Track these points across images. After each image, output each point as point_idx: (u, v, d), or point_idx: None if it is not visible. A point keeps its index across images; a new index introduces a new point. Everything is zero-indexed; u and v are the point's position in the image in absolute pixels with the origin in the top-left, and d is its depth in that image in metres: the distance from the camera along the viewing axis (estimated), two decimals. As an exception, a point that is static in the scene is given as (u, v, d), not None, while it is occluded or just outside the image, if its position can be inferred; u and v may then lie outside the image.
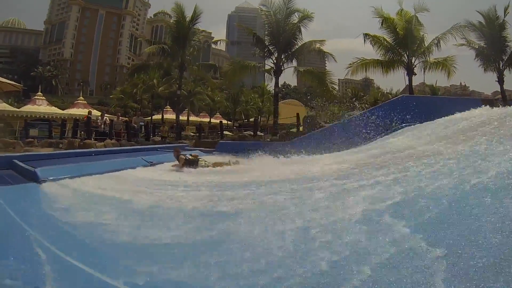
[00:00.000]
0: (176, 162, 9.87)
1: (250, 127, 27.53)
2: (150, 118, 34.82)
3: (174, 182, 6.84)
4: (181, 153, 10.45)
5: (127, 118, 25.09)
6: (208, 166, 9.76)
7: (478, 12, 23.80)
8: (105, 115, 22.36)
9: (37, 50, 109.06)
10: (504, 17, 23.09)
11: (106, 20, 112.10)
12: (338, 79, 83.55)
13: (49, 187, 5.95)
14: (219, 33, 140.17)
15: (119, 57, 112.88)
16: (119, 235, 3.59)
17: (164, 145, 16.64)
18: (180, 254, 3.09)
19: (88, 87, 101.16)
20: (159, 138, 21.85)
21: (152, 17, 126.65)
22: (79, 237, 3.58)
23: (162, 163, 10.38)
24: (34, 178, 6.35)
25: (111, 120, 20.52)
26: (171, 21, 26.65)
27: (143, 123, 22.97)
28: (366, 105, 31.45)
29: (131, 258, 3.02)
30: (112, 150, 13.97)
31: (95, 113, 25.33)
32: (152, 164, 10.06)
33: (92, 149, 13.94)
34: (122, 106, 44.98)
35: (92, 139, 17.59)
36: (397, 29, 22.41)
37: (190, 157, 10.17)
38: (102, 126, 19.93)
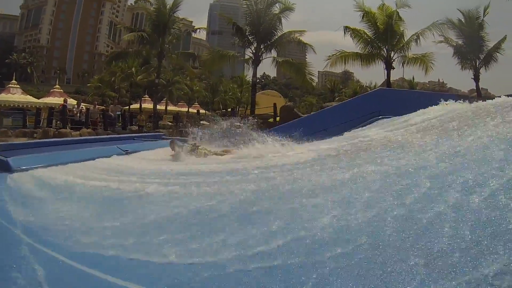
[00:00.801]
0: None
1: (229, 117, 27.58)
2: (128, 107, 34.36)
3: (150, 171, 6.87)
4: (178, 143, 10.36)
5: (103, 107, 24.74)
6: (208, 155, 9.62)
7: (458, 10, 24.45)
8: (82, 103, 22.00)
9: (12, 36, 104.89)
10: (484, 16, 23.70)
11: (85, 6, 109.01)
12: (318, 71, 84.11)
13: (21, 176, 5.92)
14: (201, 22, 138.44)
15: (97, 44, 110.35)
16: (88, 225, 3.51)
17: (140, 134, 16.57)
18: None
19: (65, 75, 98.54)
20: (136, 127, 21.72)
21: (133, 4, 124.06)
22: (48, 228, 3.47)
23: (138, 152, 10.36)
24: (6, 168, 6.31)
25: (87, 109, 20.23)
26: (151, 8, 26.42)
27: (120, 112, 22.77)
28: (345, 97, 31.94)
29: (103, 248, 2.92)
30: (87, 139, 13.86)
31: (71, 101, 24.85)
32: (127, 152, 10.04)
33: (67, 138, 13.83)
34: (100, 95, 44.01)
35: (68, 128, 17.43)
36: (378, 23, 22.71)
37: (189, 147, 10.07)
38: (78, 115, 19.68)
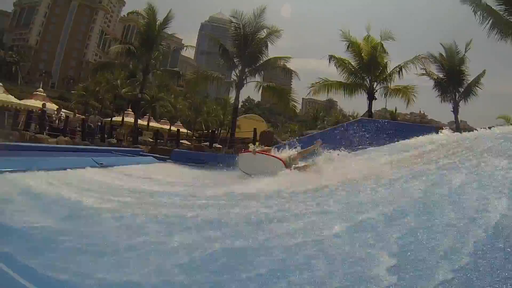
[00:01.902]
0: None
1: (214, 138, 27.59)
2: (110, 119, 34.02)
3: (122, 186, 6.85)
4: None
5: (83, 117, 24.39)
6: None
7: (441, 44, 25.23)
8: (62, 110, 21.65)
9: (2, 32, 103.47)
10: (465, 52, 24.43)
11: (78, 12, 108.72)
12: (302, 98, 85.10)
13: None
14: (191, 41, 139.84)
15: (86, 52, 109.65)
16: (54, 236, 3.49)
17: (119, 148, 16.40)
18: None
19: (51, 79, 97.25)
20: (115, 141, 21.43)
21: (126, 15, 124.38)
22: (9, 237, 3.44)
23: (113, 166, 10.29)
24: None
25: (67, 117, 19.93)
26: (142, 22, 26.30)
27: (100, 123, 22.48)
28: (327, 125, 32.33)
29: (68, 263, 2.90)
30: (62, 147, 13.69)
31: (51, 106, 24.37)
32: (102, 165, 9.96)
33: (42, 145, 13.60)
34: (83, 104, 43.63)
35: (45, 134, 17.10)
36: (362, 54, 23.21)
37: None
38: (57, 121, 19.36)
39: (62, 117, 19.63)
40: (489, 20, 19.52)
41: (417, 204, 3.72)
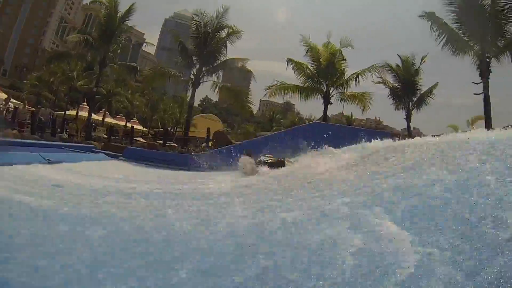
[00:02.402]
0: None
1: (167, 136, 27.25)
2: (63, 112, 32.74)
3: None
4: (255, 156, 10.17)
5: (33, 109, 23.31)
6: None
7: (398, 56, 26.40)
8: (11, 100, 20.60)
9: None
10: (420, 64, 25.70)
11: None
12: (260, 100, 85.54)
13: None
14: (154, 36, 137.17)
15: (43, 39, 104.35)
16: None
17: (70, 144, 15.90)
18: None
19: (2, 66, 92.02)
20: (67, 136, 20.65)
21: (88, 4, 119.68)
22: None
23: (62, 162, 10.04)
24: None
25: (15, 107, 18.96)
26: (102, 12, 25.13)
27: (51, 116, 21.56)
28: (282, 127, 32.82)
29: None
30: (9, 141, 13.10)
31: (0, 95, 23.15)
32: (50, 162, 9.69)
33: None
34: (36, 94, 41.50)
35: (-10, 127, 16.26)
36: (321, 60, 23.78)
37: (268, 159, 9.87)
38: (5, 112, 18.44)
39: (10, 108, 18.68)
40: (444, 36, 20.63)
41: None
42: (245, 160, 10.08)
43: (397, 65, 26.03)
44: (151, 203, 5.32)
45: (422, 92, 26.06)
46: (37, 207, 4.53)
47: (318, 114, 53.72)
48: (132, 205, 5.15)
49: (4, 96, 22.64)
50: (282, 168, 9.55)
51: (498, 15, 19.23)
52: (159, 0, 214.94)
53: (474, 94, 20.10)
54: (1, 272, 2.65)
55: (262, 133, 22.48)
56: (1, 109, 18.57)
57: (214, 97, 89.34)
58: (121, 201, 5.41)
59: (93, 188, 6.59)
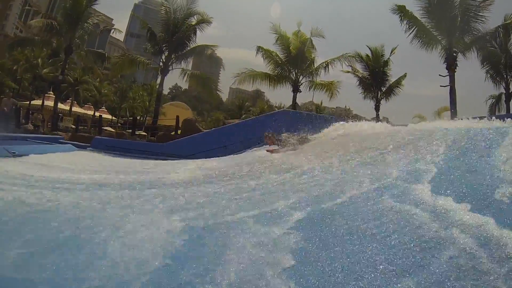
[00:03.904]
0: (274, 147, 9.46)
1: (136, 125, 26.95)
2: (28, 102, 31.72)
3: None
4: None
5: (-4, 99, 22.48)
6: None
7: (367, 46, 26.86)
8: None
9: None
10: (390, 55, 26.31)
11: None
12: (230, 87, 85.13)
13: None
14: (122, 22, 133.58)
15: (5, 24, 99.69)
16: None
17: (35, 136, 15.51)
18: None
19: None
20: (32, 127, 20.08)
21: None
22: None
23: (27, 155, 9.81)
24: None
25: (-24, 99, 18.24)
26: None
27: (15, 107, 20.81)
28: (251, 115, 32.97)
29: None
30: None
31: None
32: (14, 155, 9.46)
33: None
34: (-3, 84, 40.00)
35: None
36: (291, 48, 24.06)
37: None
38: (-37, 104, 17.71)
39: (-31, 99, 17.93)
40: (414, 29, 21.40)
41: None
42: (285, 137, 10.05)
43: (367, 55, 26.53)
44: (119, 194, 5.32)
45: (391, 82, 26.79)
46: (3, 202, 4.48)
47: (288, 102, 54.24)
48: (95, 196, 5.13)
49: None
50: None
51: (466, 12, 20.13)
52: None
53: (440, 86, 21.04)
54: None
55: (230, 120, 22.48)
56: (-40, 101, 17.80)
57: (184, 85, 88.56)
58: (85, 192, 5.38)
59: (57, 180, 6.51)
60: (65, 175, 7.18)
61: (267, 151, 9.55)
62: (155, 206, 4.47)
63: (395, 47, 26.38)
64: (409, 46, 21.90)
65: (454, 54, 20.66)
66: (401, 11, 21.49)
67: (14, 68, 37.59)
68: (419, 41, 21.53)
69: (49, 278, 2.54)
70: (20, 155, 9.66)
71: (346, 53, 25.16)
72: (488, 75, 23.55)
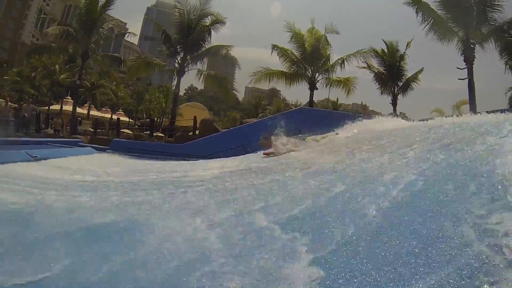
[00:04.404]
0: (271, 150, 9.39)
1: (154, 127, 27.14)
2: (47, 107, 32.29)
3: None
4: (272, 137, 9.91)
5: (16, 105, 22.96)
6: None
7: (383, 40, 26.50)
8: (-7, 98, 20.31)
9: None
10: (405, 49, 25.91)
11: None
12: (246, 86, 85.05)
13: None
14: (136, 25, 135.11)
15: (22, 33, 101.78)
16: None
17: (55, 139, 15.77)
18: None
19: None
20: (52, 131, 20.45)
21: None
22: None
23: (49, 158, 9.93)
24: None
25: (-3, 105, 18.61)
26: (82, 1, 24.57)
27: (35, 112, 21.23)
28: (268, 114, 32.87)
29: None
30: (-8, 140, 12.92)
31: (-19, 95, 22.82)
32: (36, 159, 9.59)
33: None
34: (17, 91, 40.70)
35: (-29, 125, 15.99)
36: (306, 45, 23.92)
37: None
38: (-14, 111, 18.09)
39: (-8, 107, 18.32)
40: (430, 21, 20.99)
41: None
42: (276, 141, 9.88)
43: (382, 50, 26.17)
44: (149, 194, 5.32)
45: (408, 77, 26.35)
46: (27, 206, 4.51)
47: (304, 100, 53.98)
48: (127, 197, 5.13)
49: (-16, 94, 22.28)
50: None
51: (482, 2, 19.66)
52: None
53: (459, 79, 20.45)
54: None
55: (247, 120, 22.49)
56: (-17, 108, 18.20)
57: (199, 86, 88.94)
58: (110, 193, 5.40)
59: (82, 183, 6.56)
60: (90, 178, 7.26)
61: (264, 153, 9.43)
62: (186, 204, 4.49)
63: (411, 40, 26.02)
64: (424, 40, 21.61)
65: (472, 45, 20.17)
66: (417, 3, 21.11)
67: (33, 75, 38.31)
68: (435, 33, 21.12)
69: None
70: (42, 159, 9.81)
71: (362, 49, 24.85)
72: (508, 66, 22.87)
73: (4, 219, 4.01)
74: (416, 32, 22.07)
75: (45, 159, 9.82)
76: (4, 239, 3.30)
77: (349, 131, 9.51)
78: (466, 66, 20.07)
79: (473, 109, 18.67)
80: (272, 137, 9.96)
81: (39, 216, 4.10)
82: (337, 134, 9.75)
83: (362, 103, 60.98)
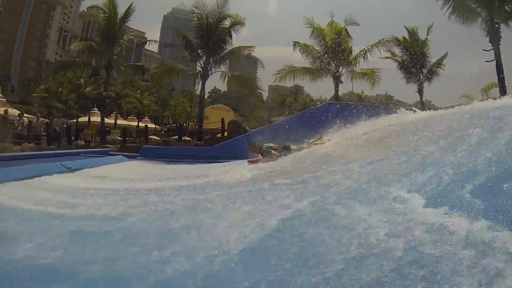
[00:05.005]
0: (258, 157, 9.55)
1: (182, 131, 27.40)
2: (76, 120, 33.11)
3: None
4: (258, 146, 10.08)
5: (47, 120, 23.68)
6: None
7: (405, 27, 25.94)
8: (25, 115, 20.98)
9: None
10: (427, 35, 25.38)
11: (35, 7, 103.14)
12: (269, 85, 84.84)
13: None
14: (154, 34, 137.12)
15: (45, 51, 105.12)
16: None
17: (87, 150, 16.12)
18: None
19: (9, 83, 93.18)
20: (83, 143, 20.95)
21: (85, 10, 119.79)
22: None
23: (83, 169, 10.10)
24: None
25: (29, 121, 19.20)
26: (102, 16, 25.32)
27: (65, 126, 21.84)
28: (294, 111, 32.59)
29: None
30: (28, 155, 13.31)
31: (13, 112, 23.61)
32: (71, 170, 9.76)
33: (6, 154, 13.18)
34: (46, 106, 42.11)
35: (8, 142, 16.53)
36: (327, 40, 23.70)
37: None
38: (20, 127, 18.69)
39: (25, 123, 18.90)
40: (450, 4, 20.39)
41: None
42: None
43: (404, 38, 25.63)
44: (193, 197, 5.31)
45: (432, 63, 25.71)
46: (72, 216, 4.53)
47: (327, 94, 53.32)
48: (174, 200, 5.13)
49: (17, 112, 23.00)
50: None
51: None
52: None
53: (485, 61, 19.75)
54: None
55: (275, 118, 22.36)
56: (17, 125, 18.80)
57: (223, 88, 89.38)
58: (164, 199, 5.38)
59: (125, 191, 6.60)
60: (127, 185, 7.32)
61: (249, 161, 9.42)
62: (232, 205, 4.43)
63: (431, 25, 25.40)
64: (447, 24, 20.95)
65: (496, 25, 19.30)
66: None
67: (59, 90, 39.45)
68: (457, 16, 20.49)
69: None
70: (76, 170, 9.97)
71: (383, 38, 24.38)
72: (536, 43, 21.85)
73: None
74: (437, 17, 21.40)
75: (80, 169, 9.99)
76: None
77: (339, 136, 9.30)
78: (492, 47, 19.27)
79: (503, 91, 17.98)
80: (259, 146, 9.98)
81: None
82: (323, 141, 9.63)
83: (386, 93, 59.60)
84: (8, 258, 2.93)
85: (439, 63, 25.79)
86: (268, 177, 6.11)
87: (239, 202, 4.42)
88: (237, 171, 7.67)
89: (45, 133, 19.33)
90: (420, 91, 25.50)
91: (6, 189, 6.27)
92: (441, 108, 10.35)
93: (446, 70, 26.16)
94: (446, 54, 26.26)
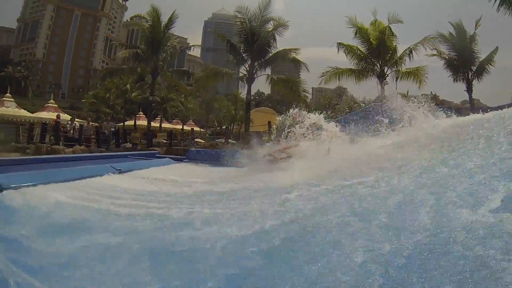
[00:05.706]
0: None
1: (223, 135, 27.60)
2: (122, 124, 34.21)
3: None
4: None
5: (97, 124, 24.60)
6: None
7: (450, 23, 24.61)
8: (75, 119, 21.89)
9: (8, 49, 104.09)
10: (475, 30, 23.91)
11: (81, 21, 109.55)
12: (312, 87, 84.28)
13: (10, 195, 5.73)
14: (195, 39, 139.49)
15: (93, 60, 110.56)
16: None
17: (134, 152, 16.46)
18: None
19: (60, 90, 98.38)
20: (130, 145, 21.54)
21: (128, 20, 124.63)
22: (41, 256, 3.24)
23: (131, 170, 10.22)
24: (-4, 185, 6.13)
25: (81, 125, 20.01)
26: (146, 25, 26.07)
27: (114, 129, 22.57)
28: (339, 112, 31.91)
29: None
30: (80, 156, 13.72)
31: (64, 117, 24.71)
32: (120, 172, 9.91)
33: (60, 156, 13.66)
34: (94, 111, 44.17)
35: (61, 145, 17.22)
36: (371, 39, 22.93)
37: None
38: (72, 131, 19.48)
39: (76, 127, 19.71)
40: None
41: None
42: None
43: (450, 34, 24.32)
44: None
45: (482, 60, 24.14)
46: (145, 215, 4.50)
47: (370, 95, 51.89)
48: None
49: (68, 117, 24.05)
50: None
51: None
52: (195, 5, 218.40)
53: None
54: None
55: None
56: (68, 129, 19.61)
57: (266, 90, 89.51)
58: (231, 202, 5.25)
59: (182, 193, 6.55)
60: (181, 189, 7.28)
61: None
62: None
63: (479, 19, 23.83)
64: (495, 17, 19.67)
65: (552, 12, 17.92)
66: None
67: (107, 95, 41.24)
68: (506, 7, 19.22)
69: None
70: (126, 171, 10.11)
71: (428, 35, 23.27)
72: None
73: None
74: (484, 10, 20.13)
75: (129, 171, 10.12)
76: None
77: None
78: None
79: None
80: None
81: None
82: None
83: (431, 93, 57.32)
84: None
85: (489, 59, 24.08)
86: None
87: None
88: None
89: (94, 136, 20.04)
90: (469, 89, 24.10)
91: (64, 188, 6.37)
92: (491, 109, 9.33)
93: (497, 66, 24.45)
94: (497, 49, 24.42)
